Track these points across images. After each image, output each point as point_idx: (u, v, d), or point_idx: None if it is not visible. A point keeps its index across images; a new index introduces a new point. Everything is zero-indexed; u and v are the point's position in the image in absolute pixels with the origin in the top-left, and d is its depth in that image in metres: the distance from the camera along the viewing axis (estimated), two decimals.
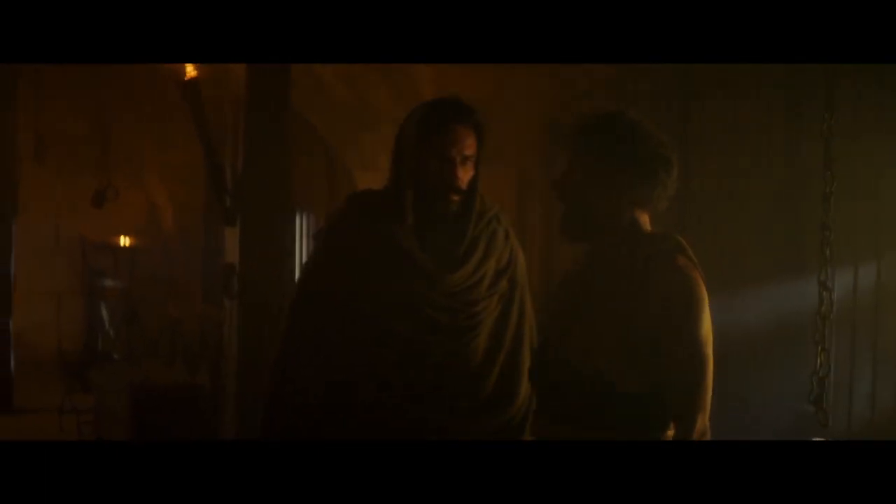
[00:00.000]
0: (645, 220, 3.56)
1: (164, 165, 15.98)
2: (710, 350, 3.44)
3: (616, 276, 3.48)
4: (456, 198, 3.70)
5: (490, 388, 3.78)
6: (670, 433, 3.45)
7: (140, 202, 16.96)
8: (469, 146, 3.68)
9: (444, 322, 3.69)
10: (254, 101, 7.29)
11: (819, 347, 4.22)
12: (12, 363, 12.81)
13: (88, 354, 12.73)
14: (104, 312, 13.01)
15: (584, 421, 3.38)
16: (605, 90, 7.52)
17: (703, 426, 3.43)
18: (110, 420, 10.26)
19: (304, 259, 13.90)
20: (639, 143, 3.45)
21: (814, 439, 3.47)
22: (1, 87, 12.49)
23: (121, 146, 15.09)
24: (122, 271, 14.81)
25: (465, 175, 3.70)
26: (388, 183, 3.81)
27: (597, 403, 3.39)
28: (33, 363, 14.16)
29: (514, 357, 3.85)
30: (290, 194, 7.81)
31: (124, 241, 15.46)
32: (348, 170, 11.53)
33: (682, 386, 3.39)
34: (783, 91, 5.56)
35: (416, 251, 3.71)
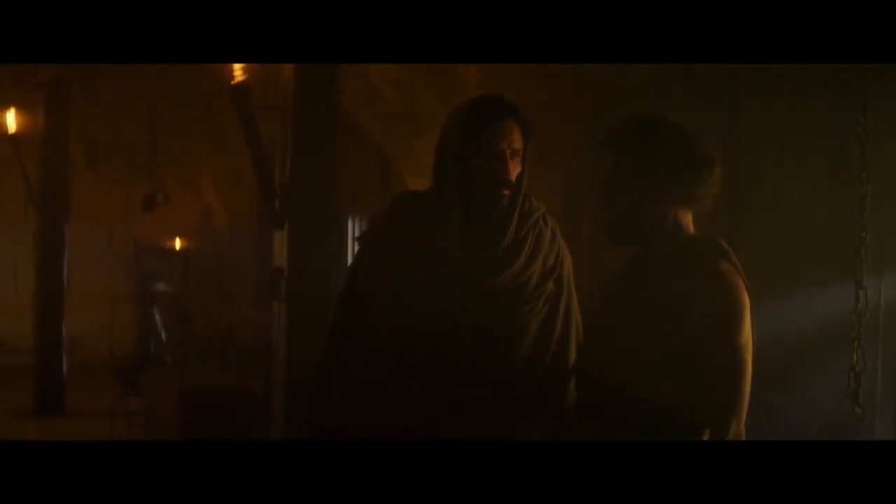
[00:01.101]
0: (688, 222, 3.55)
1: (217, 170, 16.07)
2: (749, 356, 3.42)
3: (658, 279, 3.46)
4: (506, 192, 3.62)
5: (536, 390, 3.70)
6: (705, 438, 3.42)
7: (192, 207, 17.06)
8: (517, 140, 3.60)
9: (488, 324, 3.61)
10: (303, 105, 7.31)
11: (855, 344, 4.20)
12: (65, 367, 12.91)
13: (140, 358, 12.79)
14: (156, 317, 13.07)
15: (622, 423, 3.36)
16: (648, 94, 7.50)
17: (738, 431, 3.40)
18: (161, 424, 10.31)
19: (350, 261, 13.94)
20: (680, 143, 3.43)
21: (852, 439, 3.44)
22: (54, 94, 12.61)
23: (172, 151, 15.18)
24: (174, 276, 14.90)
25: (513, 170, 3.62)
26: (432, 183, 3.73)
27: (634, 406, 3.37)
28: (85, 367, 14.27)
29: (560, 359, 3.76)
30: (339, 198, 7.81)
31: (176, 245, 15.54)
32: (400, 174, 11.54)
33: (719, 392, 3.36)
34: (826, 93, 5.53)
35: (458, 252, 3.64)
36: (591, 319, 3.74)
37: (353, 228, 13.80)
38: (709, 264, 3.45)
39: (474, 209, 3.64)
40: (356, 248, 3.87)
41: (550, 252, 3.81)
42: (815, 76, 5.38)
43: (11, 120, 12.78)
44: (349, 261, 14.07)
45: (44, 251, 13.00)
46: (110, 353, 13.23)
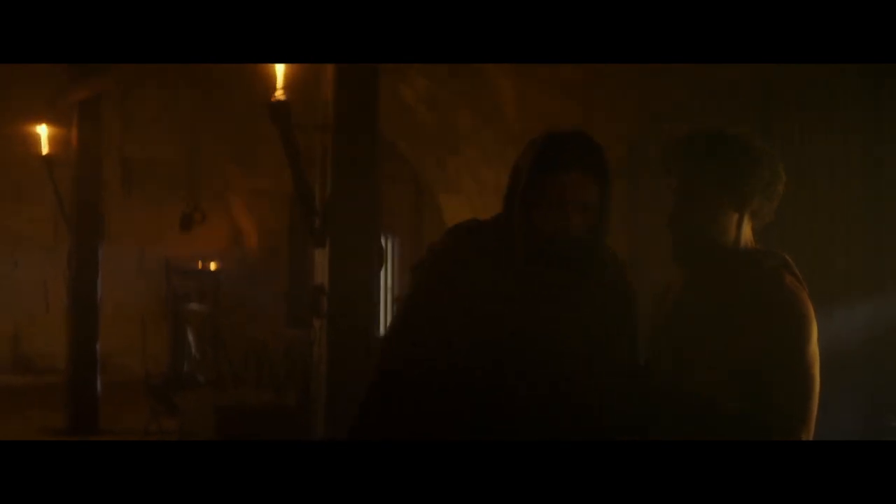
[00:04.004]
0: (750, 235, 3.55)
1: (249, 190, 16.15)
2: (817, 367, 3.42)
3: (725, 296, 3.47)
4: (566, 248, 3.39)
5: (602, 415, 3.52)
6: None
7: (224, 226, 17.14)
8: (587, 193, 3.37)
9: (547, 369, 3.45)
10: (341, 123, 7.33)
11: None
12: (98, 386, 12.95)
13: (173, 377, 12.84)
14: (189, 336, 13.12)
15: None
16: (683, 110, 7.51)
17: (812, 434, 3.41)
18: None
19: (399, 289, 13.97)
20: (742, 157, 3.43)
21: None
22: (87, 114, 12.69)
23: (206, 171, 15.26)
24: (206, 295, 14.94)
25: (580, 223, 3.39)
26: (500, 218, 3.56)
27: (703, 424, 3.38)
28: (118, 386, 14.32)
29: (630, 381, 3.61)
30: (379, 216, 7.83)
31: (209, 265, 15.60)
32: (432, 192, 11.57)
33: (790, 403, 3.36)
34: (866, 96, 5.55)
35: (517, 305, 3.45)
36: (656, 337, 3.72)
37: (389, 246, 13.84)
38: (774, 278, 3.46)
39: (539, 257, 3.43)
40: (412, 277, 3.69)
41: (618, 308, 3.62)
42: (854, 83, 5.40)
43: (45, 139, 12.86)
44: (389, 279, 14.14)
45: (76, 270, 13.04)
46: (144, 373, 13.29)
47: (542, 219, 3.37)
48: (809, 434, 3.42)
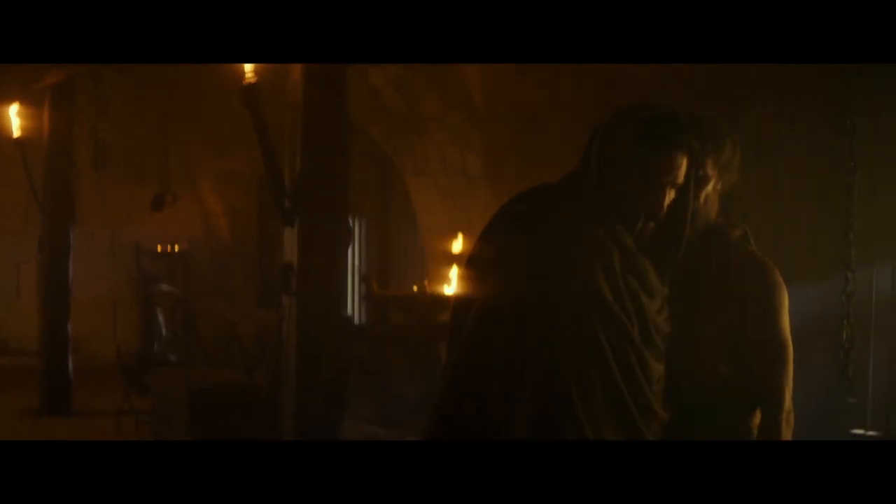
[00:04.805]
0: (716, 209, 3.69)
1: (220, 172, 16.19)
2: (790, 336, 3.60)
3: (700, 266, 3.60)
4: (652, 226, 3.44)
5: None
6: (757, 415, 3.59)
7: (194, 208, 17.19)
8: (681, 173, 3.41)
9: (657, 342, 3.43)
10: (310, 105, 7.44)
11: (844, 321, 4.37)
12: (70, 368, 13.05)
13: (145, 358, 12.92)
14: (160, 317, 13.20)
15: (679, 409, 3.47)
16: (649, 95, 7.64)
17: (790, 405, 3.57)
18: (168, 422, 10.44)
19: (367, 268, 14.07)
20: (709, 135, 3.55)
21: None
22: (59, 98, 12.73)
23: (177, 153, 15.29)
24: (177, 277, 15.01)
25: (672, 202, 3.42)
26: (578, 181, 3.49)
27: (692, 391, 3.52)
28: (90, 369, 14.39)
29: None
30: (347, 196, 7.95)
31: (179, 247, 15.67)
32: (401, 175, 11.70)
33: (771, 370, 3.54)
34: (822, 91, 5.70)
35: (641, 256, 3.44)
36: None
37: (358, 227, 13.98)
38: (743, 248, 3.65)
39: (630, 233, 3.43)
40: (479, 246, 3.57)
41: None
42: (805, 75, 5.54)
43: (17, 123, 12.89)
44: (355, 257, 14.26)
45: (47, 254, 13.12)
46: (116, 355, 13.38)
47: (642, 196, 3.37)
48: (789, 399, 3.59)
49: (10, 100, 12.87)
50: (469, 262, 3.62)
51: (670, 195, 3.40)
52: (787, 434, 3.73)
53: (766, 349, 3.55)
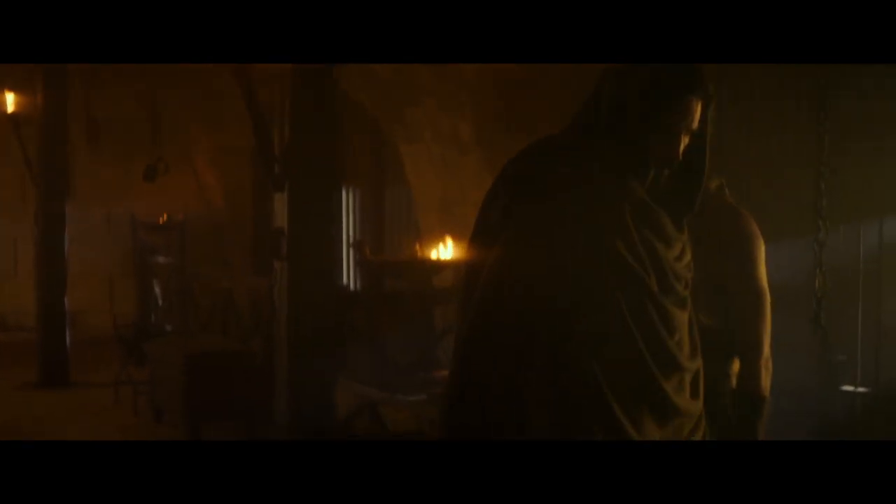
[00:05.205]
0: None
1: (213, 146, 16.21)
2: (766, 282, 3.67)
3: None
4: (666, 173, 3.36)
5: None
6: (735, 363, 3.65)
7: (189, 182, 17.25)
8: (695, 119, 3.30)
9: (678, 288, 3.33)
10: (300, 74, 7.49)
11: (817, 270, 4.43)
12: (67, 341, 13.13)
13: (142, 328, 12.98)
14: (156, 288, 13.24)
15: None
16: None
17: (768, 353, 3.64)
18: (165, 390, 10.52)
19: (359, 234, 14.10)
20: (686, 84, 3.50)
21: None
22: (52, 74, 12.76)
23: (169, 127, 15.31)
24: (173, 248, 15.04)
25: (687, 148, 3.32)
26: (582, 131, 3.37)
27: None
28: (88, 342, 14.49)
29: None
30: (337, 162, 8.00)
31: (174, 219, 15.70)
32: (392, 142, 11.75)
33: (749, 318, 3.60)
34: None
35: (653, 204, 3.33)
36: None
37: (351, 196, 14.04)
38: (721, 197, 3.71)
39: (643, 177, 3.35)
40: (484, 211, 3.42)
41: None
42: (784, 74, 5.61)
43: (10, 99, 12.94)
44: (348, 223, 14.32)
45: (43, 229, 13.18)
46: (112, 327, 13.44)
47: (655, 143, 3.28)
48: (767, 347, 3.66)
49: (4, 77, 12.90)
50: (476, 228, 3.45)
51: (685, 141, 3.30)
52: (765, 381, 3.78)
53: (744, 298, 3.61)
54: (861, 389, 7.80)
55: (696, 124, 3.29)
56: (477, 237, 3.42)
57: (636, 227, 3.24)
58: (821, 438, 7.74)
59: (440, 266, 9.48)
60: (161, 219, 14.86)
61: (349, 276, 13.73)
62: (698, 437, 3.33)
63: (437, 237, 9.79)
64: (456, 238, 9.41)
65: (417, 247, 9.82)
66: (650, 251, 3.25)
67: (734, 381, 3.79)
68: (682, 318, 3.34)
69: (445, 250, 9.41)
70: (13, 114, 12.99)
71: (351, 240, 13.78)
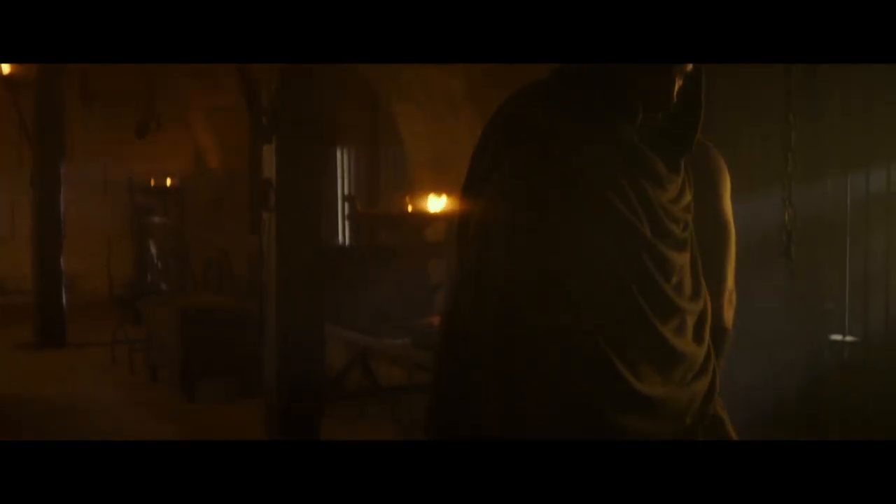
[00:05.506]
0: None
1: (209, 107, 16.22)
2: (731, 215, 3.69)
3: None
4: (659, 116, 3.27)
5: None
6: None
7: (186, 143, 17.30)
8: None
9: (674, 230, 3.26)
10: None
11: (786, 202, 4.45)
12: (64, 303, 13.19)
13: (138, 287, 13.05)
14: (153, 249, 13.30)
15: None
16: None
17: (732, 285, 3.66)
18: (160, 348, 10.58)
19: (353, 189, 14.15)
20: None
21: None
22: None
23: (165, 86, 15.31)
24: (170, 209, 15.08)
25: (678, 89, 3.22)
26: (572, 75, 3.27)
27: None
28: (85, 304, 14.57)
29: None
30: (328, 118, 8.00)
31: (171, 181, 15.74)
32: (387, 99, 11.75)
33: (713, 250, 3.60)
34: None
35: (644, 148, 3.23)
36: None
37: (345, 155, 14.08)
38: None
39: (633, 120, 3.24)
40: (473, 162, 3.32)
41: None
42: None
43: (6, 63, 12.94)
44: (342, 178, 14.37)
45: (39, 191, 13.22)
46: (109, 288, 13.52)
47: (647, 85, 3.19)
48: (731, 279, 3.67)
49: None
50: (467, 178, 3.34)
51: (678, 83, 3.20)
52: (728, 313, 3.78)
53: (709, 229, 3.60)
54: (849, 339, 7.83)
55: (690, 66, 3.22)
56: (468, 187, 3.32)
57: (626, 172, 3.16)
58: (808, 389, 7.82)
59: (432, 219, 9.52)
60: (158, 181, 14.94)
61: (341, 229, 13.75)
62: (706, 381, 3.29)
63: (430, 191, 9.82)
64: (448, 192, 9.44)
65: (408, 199, 9.85)
66: (641, 195, 3.17)
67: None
68: (681, 259, 3.27)
69: (438, 202, 9.45)
70: (9, 76, 12.98)
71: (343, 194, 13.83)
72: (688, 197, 3.32)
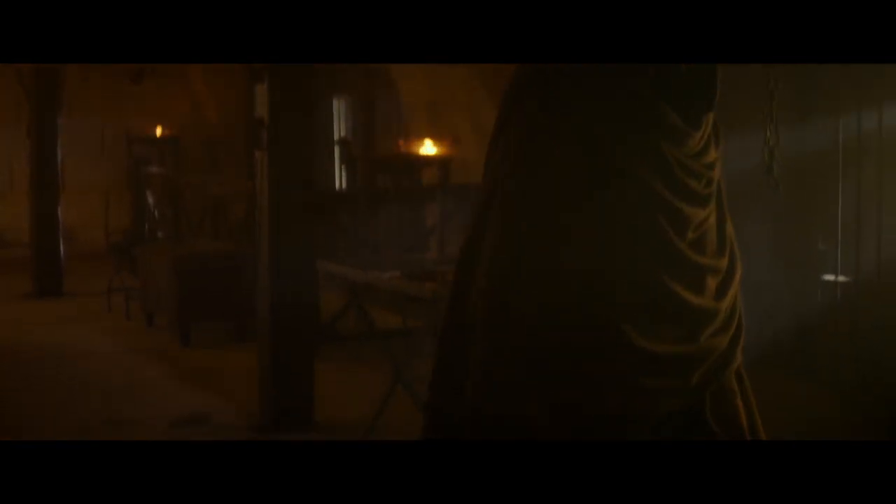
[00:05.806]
0: None
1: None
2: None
3: None
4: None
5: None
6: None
7: (183, 95, 17.28)
8: None
9: (693, 186, 3.22)
10: None
11: (767, 118, 4.44)
12: (62, 254, 13.21)
13: (134, 235, 13.05)
14: (149, 197, 13.28)
15: None
16: None
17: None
18: (156, 293, 10.60)
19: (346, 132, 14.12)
20: None
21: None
22: None
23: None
24: (167, 160, 15.06)
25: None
26: None
27: None
28: (82, 256, 14.59)
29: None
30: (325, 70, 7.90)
31: (168, 132, 15.71)
32: None
33: None
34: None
35: (658, 101, 3.19)
36: None
37: (341, 108, 14.07)
38: None
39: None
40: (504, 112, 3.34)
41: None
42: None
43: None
44: (339, 121, 14.37)
45: (36, 143, 13.21)
46: (105, 238, 13.53)
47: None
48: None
49: None
50: (497, 128, 3.36)
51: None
52: None
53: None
54: (842, 279, 7.84)
55: None
56: (502, 136, 3.34)
57: (639, 129, 3.15)
58: (801, 329, 7.83)
59: (426, 161, 9.52)
60: (156, 132, 14.91)
61: (336, 173, 13.73)
62: (724, 338, 3.27)
63: (425, 135, 9.82)
64: (442, 137, 9.44)
65: (402, 143, 9.85)
66: (653, 150, 3.14)
67: None
68: (701, 215, 3.24)
69: (432, 147, 9.45)
70: None
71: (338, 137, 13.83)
72: (712, 154, 3.28)
